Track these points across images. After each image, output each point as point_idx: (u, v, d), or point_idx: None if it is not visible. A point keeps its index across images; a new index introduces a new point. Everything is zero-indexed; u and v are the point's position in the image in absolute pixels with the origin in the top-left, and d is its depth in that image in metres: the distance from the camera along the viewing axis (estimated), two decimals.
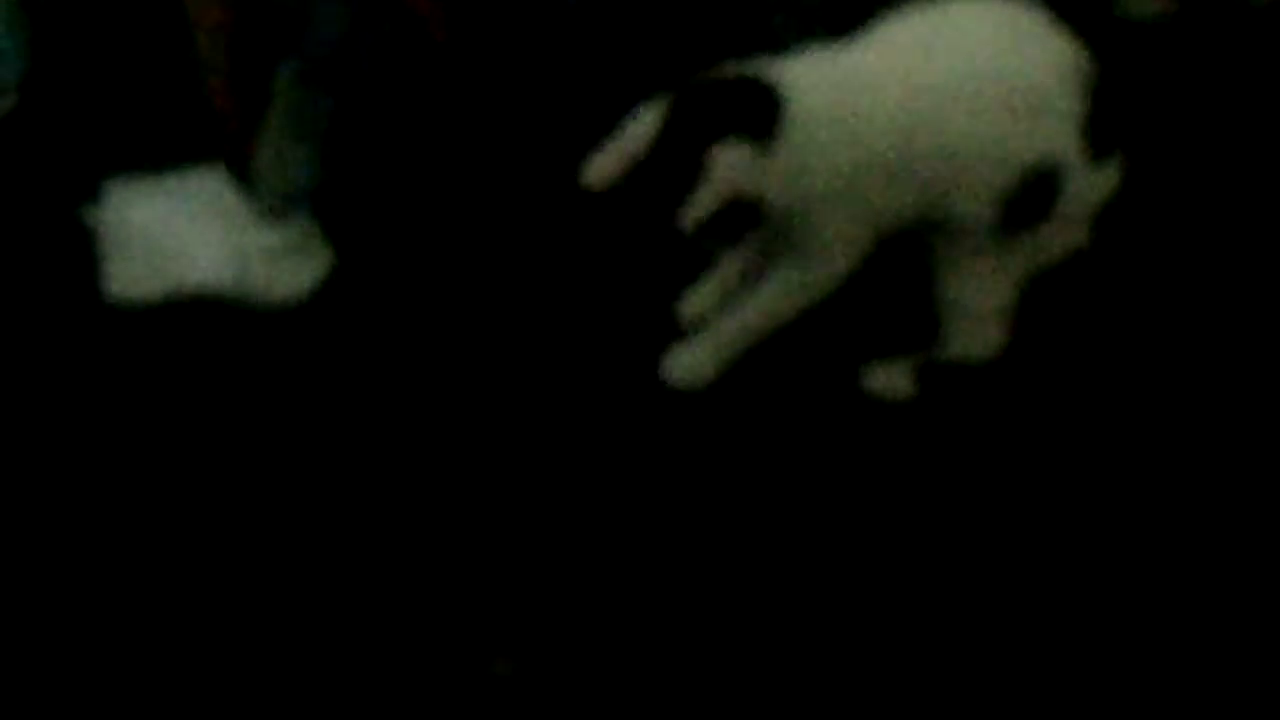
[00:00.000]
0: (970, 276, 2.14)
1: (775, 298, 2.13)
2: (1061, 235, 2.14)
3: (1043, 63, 2.03)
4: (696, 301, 2.27)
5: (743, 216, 2.00)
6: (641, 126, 1.98)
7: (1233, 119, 2.65)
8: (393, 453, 2.16)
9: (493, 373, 2.27)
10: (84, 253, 2.40)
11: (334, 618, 1.96)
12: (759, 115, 1.99)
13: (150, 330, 2.32)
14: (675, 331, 2.25)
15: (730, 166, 1.98)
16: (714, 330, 2.16)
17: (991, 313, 2.15)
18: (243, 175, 2.45)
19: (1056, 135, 2.02)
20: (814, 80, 2.01)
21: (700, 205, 1.97)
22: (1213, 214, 2.48)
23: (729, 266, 2.24)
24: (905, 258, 2.14)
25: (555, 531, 2.07)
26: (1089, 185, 2.09)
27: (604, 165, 1.98)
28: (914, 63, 2.03)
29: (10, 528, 2.09)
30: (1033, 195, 2.05)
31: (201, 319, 2.35)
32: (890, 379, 2.22)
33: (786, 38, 2.35)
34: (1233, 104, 2.67)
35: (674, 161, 2.00)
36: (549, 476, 2.14)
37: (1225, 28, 2.77)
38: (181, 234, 2.41)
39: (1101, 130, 2.06)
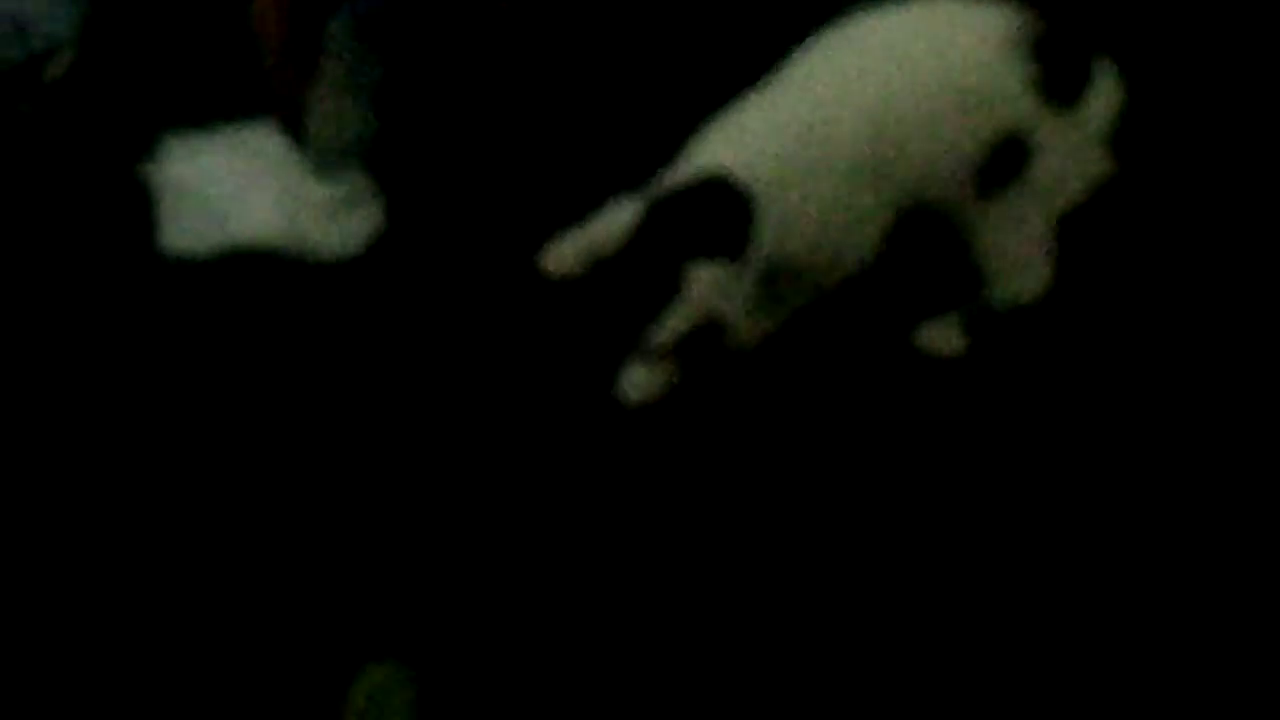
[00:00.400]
0: (991, 229, 2.12)
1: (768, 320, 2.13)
2: (1069, 172, 2.09)
3: (980, 45, 2.02)
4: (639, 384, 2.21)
5: (707, 334, 1.95)
6: (612, 229, 1.94)
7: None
8: (435, 405, 2.16)
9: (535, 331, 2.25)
10: (140, 207, 2.41)
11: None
12: (732, 229, 1.95)
13: (204, 283, 2.33)
14: None
15: (705, 288, 1.95)
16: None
17: (1029, 254, 2.13)
18: (296, 131, 2.46)
19: (1011, 107, 2.02)
20: (770, 162, 1.97)
21: (671, 330, 1.95)
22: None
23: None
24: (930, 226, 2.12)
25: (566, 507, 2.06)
26: (1066, 126, 2.06)
27: (565, 257, 1.93)
28: (853, 93, 2.01)
29: (56, 469, 2.11)
30: (1005, 160, 2.05)
31: (255, 272, 2.35)
32: (942, 335, 2.21)
33: None
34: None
35: (644, 277, 1.95)
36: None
37: None
38: (235, 188, 2.43)
39: (1059, 79, 2.04)
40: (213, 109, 2.53)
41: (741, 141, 1.99)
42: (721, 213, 1.94)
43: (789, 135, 2.00)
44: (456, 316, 2.30)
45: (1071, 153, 2.08)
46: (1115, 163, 2.11)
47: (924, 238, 2.17)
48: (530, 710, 1.91)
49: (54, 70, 2.63)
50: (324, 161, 2.46)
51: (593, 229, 1.95)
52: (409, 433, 2.18)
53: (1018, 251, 2.09)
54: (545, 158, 2.49)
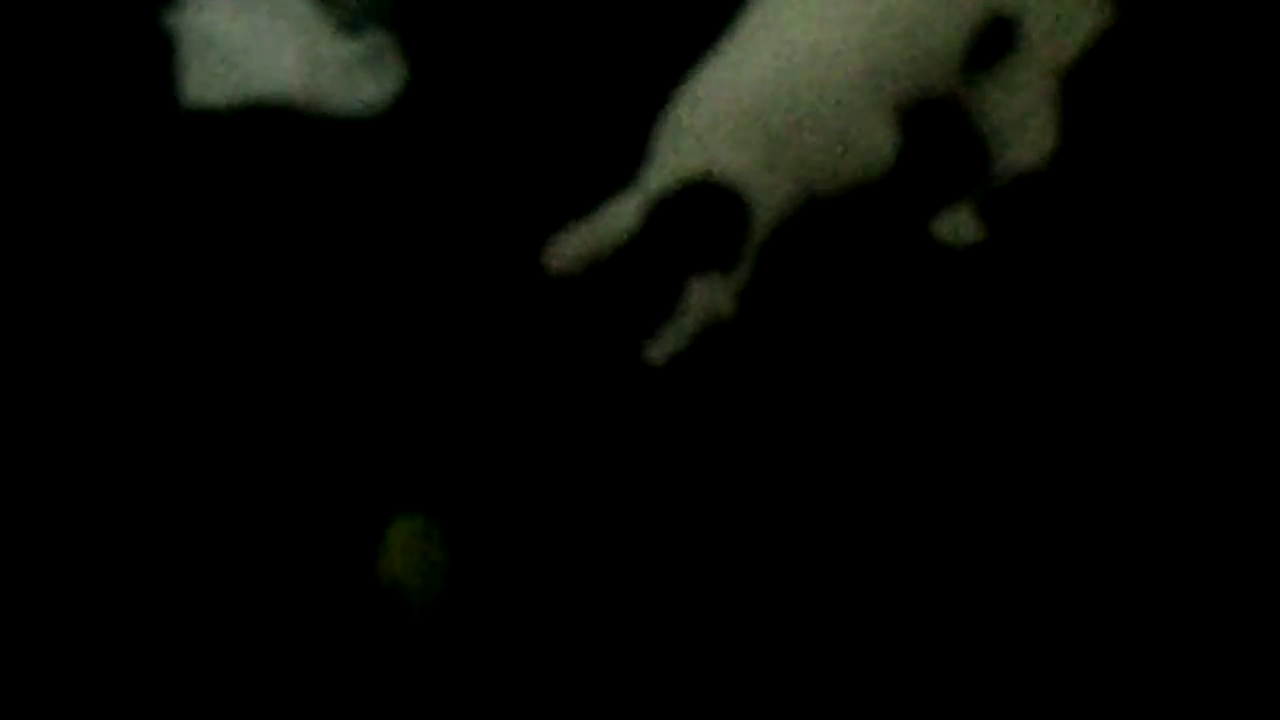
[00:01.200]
0: (993, 102, 2.08)
1: None
2: (1065, 30, 2.07)
3: None
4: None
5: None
6: (610, 231, 1.96)
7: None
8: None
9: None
10: (159, 57, 2.38)
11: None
12: (728, 232, 1.97)
13: (223, 136, 2.33)
14: None
15: (706, 301, 1.98)
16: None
17: (1032, 114, 2.10)
18: None
19: None
20: (756, 141, 1.94)
21: (673, 342, 1.99)
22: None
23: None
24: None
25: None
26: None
27: (566, 257, 1.97)
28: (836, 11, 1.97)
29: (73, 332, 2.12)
30: (998, 35, 2.03)
31: (275, 127, 2.34)
32: (958, 222, 2.19)
33: None
34: None
35: (644, 285, 1.98)
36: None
37: None
38: (258, 40, 2.38)
39: None
40: None
41: (720, 129, 1.96)
42: (714, 223, 1.95)
43: (773, 95, 1.97)
44: (472, 187, 2.27)
45: (1065, 11, 2.07)
46: (1115, 10, 2.09)
47: (931, 127, 2.13)
48: (557, 572, 1.91)
49: None
50: (349, 14, 2.39)
51: (593, 228, 1.96)
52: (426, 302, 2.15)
53: (1020, 114, 2.07)
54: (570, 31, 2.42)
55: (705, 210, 1.96)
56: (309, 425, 2.06)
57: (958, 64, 2.04)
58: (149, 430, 2.05)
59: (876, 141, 2.04)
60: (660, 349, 2.08)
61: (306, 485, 1.99)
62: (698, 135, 2.00)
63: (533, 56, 2.40)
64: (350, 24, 2.37)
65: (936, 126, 2.12)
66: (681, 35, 2.24)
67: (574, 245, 1.98)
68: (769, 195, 2.01)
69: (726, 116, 1.98)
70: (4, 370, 2.14)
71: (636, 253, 1.98)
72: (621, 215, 1.97)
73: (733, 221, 1.96)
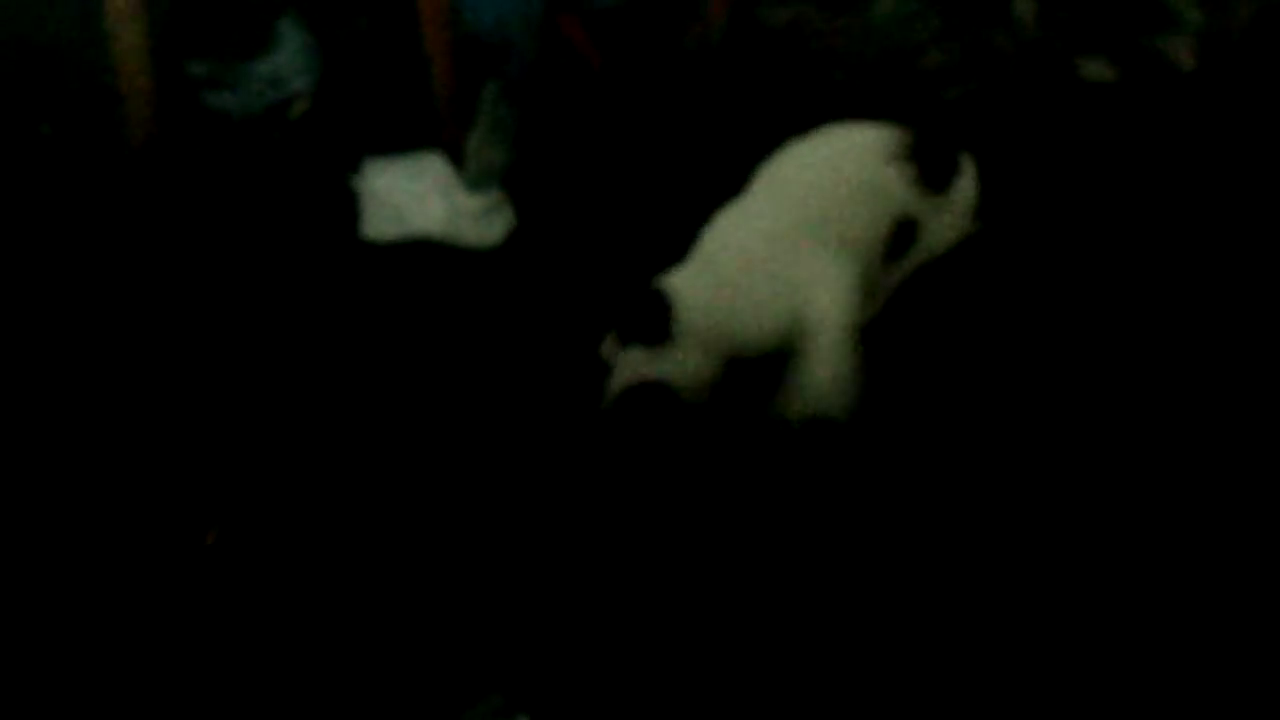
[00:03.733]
0: (891, 280, 2.34)
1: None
2: (944, 236, 2.34)
3: (874, 158, 2.27)
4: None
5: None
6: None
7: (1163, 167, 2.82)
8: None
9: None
10: (349, 207, 2.79)
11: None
12: (655, 324, 2.20)
13: (391, 261, 2.71)
14: None
15: (630, 364, 2.22)
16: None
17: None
18: (457, 159, 2.83)
19: (902, 199, 2.28)
20: (692, 288, 2.20)
21: (610, 392, 2.23)
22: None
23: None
24: None
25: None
26: (942, 206, 2.32)
27: (605, 350, 2.26)
28: (804, 197, 2.22)
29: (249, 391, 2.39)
30: (904, 234, 2.32)
31: (426, 256, 2.72)
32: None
33: (841, 84, 2.73)
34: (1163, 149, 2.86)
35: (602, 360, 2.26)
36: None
37: (1157, 89, 2.97)
38: (415, 197, 2.77)
39: (931, 173, 2.30)
40: (402, 141, 2.86)
41: (676, 279, 2.21)
42: (650, 312, 2.20)
43: (766, 233, 2.21)
44: (565, 296, 2.58)
45: (947, 222, 2.35)
46: (977, 224, 2.39)
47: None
48: None
49: (297, 110, 3.02)
50: (475, 181, 2.79)
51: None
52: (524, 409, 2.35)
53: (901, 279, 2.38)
54: (630, 187, 2.78)
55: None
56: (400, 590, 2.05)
57: (881, 250, 2.30)
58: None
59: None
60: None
61: (390, 663, 1.94)
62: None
63: (597, 211, 2.75)
64: (476, 185, 2.80)
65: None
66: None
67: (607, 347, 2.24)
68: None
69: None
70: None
71: None
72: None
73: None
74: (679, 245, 2.30)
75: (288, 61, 2.99)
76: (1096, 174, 2.82)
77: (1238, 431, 2.18)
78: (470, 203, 2.77)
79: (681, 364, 2.20)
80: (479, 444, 2.31)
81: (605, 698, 1.85)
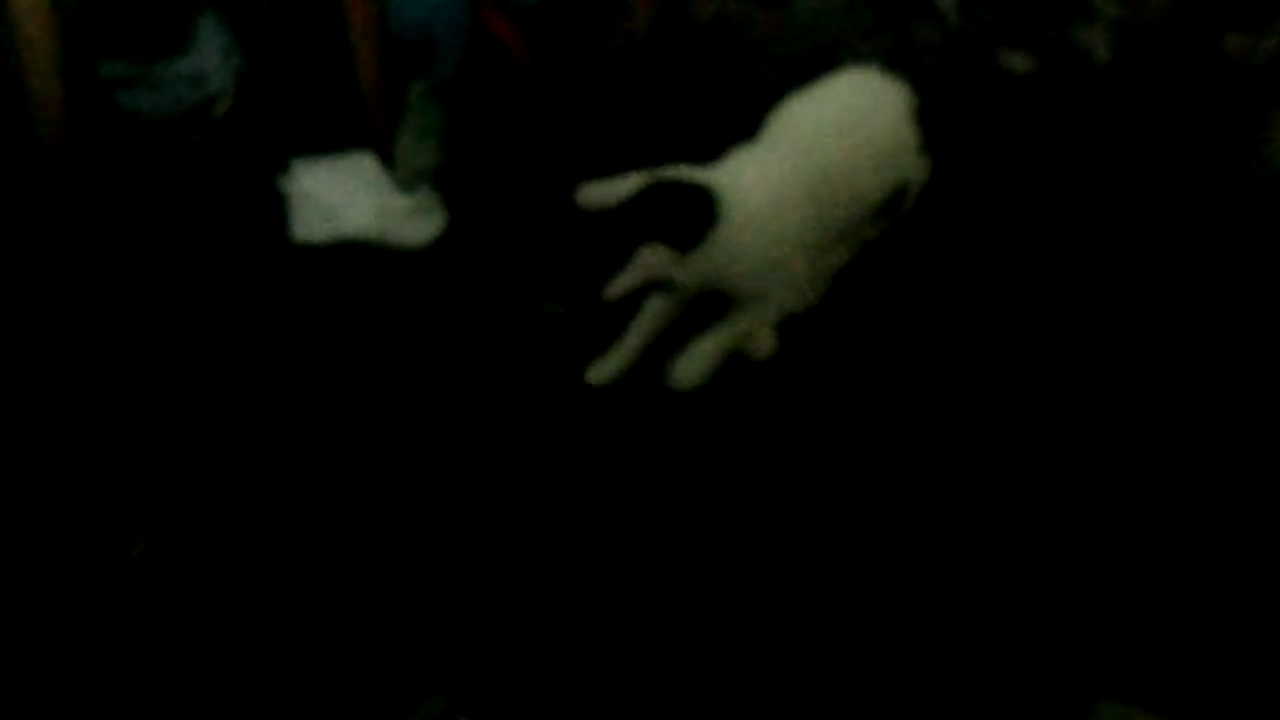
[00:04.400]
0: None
1: (738, 331, 2.31)
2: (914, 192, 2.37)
3: (895, 113, 2.27)
4: (604, 369, 2.37)
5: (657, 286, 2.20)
6: (618, 190, 2.14)
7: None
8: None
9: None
10: (277, 208, 2.74)
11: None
12: (688, 226, 2.14)
13: (321, 262, 2.68)
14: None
15: (648, 263, 2.16)
16: (701, 346, 2.30)
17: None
18: (386, 159, 2.80)
19: (908, 161, 2.32)
20: (739, 188, 2.16)
21: (619, 287, 2.16)
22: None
23: (635, 339, 2.35)
24: None
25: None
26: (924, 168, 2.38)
27: (588, 197, 2.16)
28: (807, 150, 2.21)
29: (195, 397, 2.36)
30: (892, 201, 2.36)
31: (357, 256, 2.70)
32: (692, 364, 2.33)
33: (770, 77, 2.71)
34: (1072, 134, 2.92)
35: (614, 243, 2.16)
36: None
37: (1075, 80, 3.02)
38: (344, 197, 2.73)
39: (930, 139, 2.35)
40: (329, 142, 2.83)
41: (722, 174, 2.18)
42: (684, 210, 2.13)
43: (769, 182, 2.19)
44: (496, 296, 2.57)
45: (920, 181, 2.40)
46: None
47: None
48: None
49: (220, 109, 2.95)
50: (406, 181, 2.77)
51: (612, 184, 2.14)
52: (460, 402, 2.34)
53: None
54: (560, 183, 2.57)
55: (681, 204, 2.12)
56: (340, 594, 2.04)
57: (870, 213, 2.32)
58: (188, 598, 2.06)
59: (804, 255, 2.27)
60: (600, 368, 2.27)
61: (336, 665, 1.94)
62: (717, 170, 2.18)
63: (533, 209, 2.73)
64: (407, 184, 2.77)
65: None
66: None
67: (592, 194, 2.13)
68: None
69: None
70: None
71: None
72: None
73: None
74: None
75: (207, 60, 2.93)
76: (1019, 162, 2.88)
77: (1162, 412, 2.27)
78: (401, 202, 2.75)
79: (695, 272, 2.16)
80: (415, 443, 2.32)
81: (547, 699, 1.87)
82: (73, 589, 2.04)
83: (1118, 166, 2.80)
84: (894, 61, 2.84)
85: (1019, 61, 3.05)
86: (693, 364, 2.28)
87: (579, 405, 2.38)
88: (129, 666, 1.96)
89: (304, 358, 2.49)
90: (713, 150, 2.31)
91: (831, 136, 2.24)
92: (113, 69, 2.94)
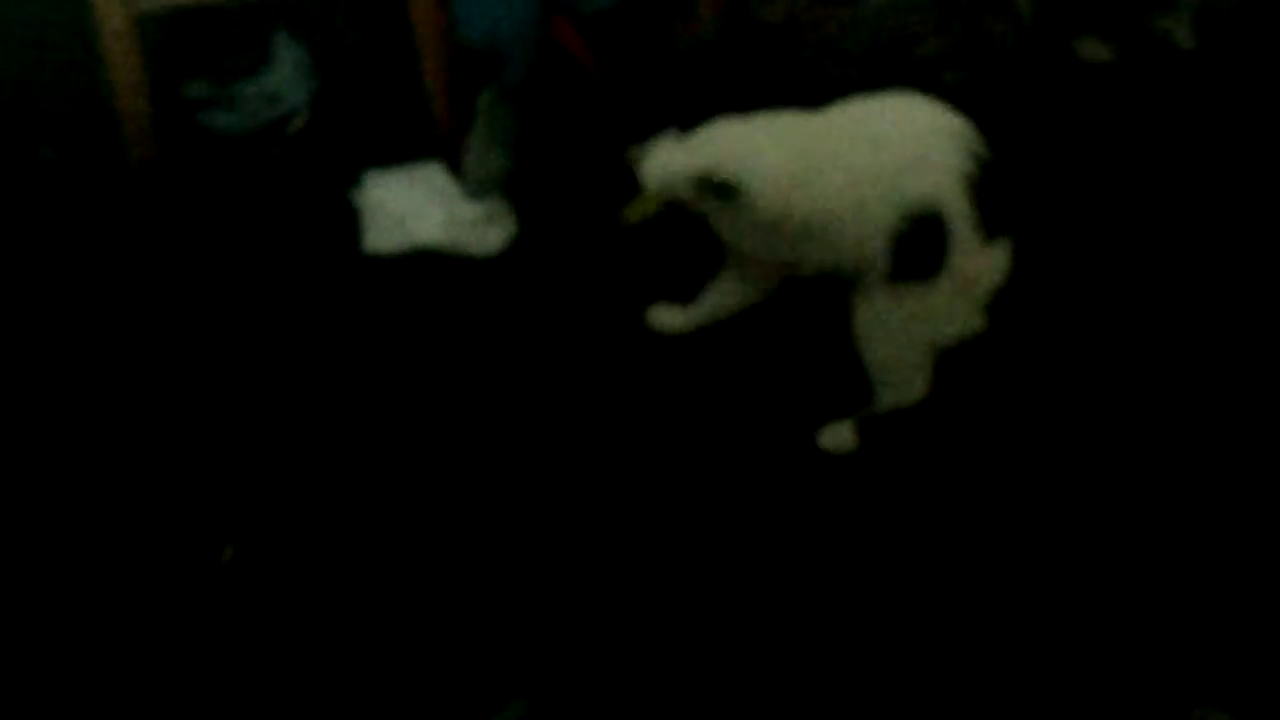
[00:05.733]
0: (879, 336, 2.16)
1: (726, 293, 2.38)
2: (953, 305, 2.12)
3: (932, 127, 2.09)
4: (668, 318, 2.47)
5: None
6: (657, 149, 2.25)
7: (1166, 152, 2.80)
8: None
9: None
10: (350, 221, 2.79)
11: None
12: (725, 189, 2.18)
13: (393, 272, 2.71)
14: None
15: (674, 183, 2.22)
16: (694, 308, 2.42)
17: (910, 371, 2.21)
18: (456, 168, 2.82)
19: (938, 180, 2.05)
20: (762, 176, 2.14)
21: (640, 207, 2.26)
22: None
23: (707, 304, 2.41)
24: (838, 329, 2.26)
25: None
26: (978, 255, 2.08)
27: (631, 155, 2.27)
28: (829, 151, 2.12)
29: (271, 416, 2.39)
30: (920, 238, 2.07)
31: (428, 266, 2.71)
32: (837, 437, 2.30)
33: (835, 76, 2.75)
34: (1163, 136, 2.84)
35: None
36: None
37: (1159, 68, 2.94)
38: (415, 207, 2.76)
39: (990, 206, 2.07)
40: (401, 153, 2.86)
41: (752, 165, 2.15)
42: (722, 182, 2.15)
43: (799, 155, 2.15)
44: (568, 302, 2.61)
45: (968, 276, 2.13)
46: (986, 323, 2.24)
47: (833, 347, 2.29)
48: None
49: (295, 126, 3.02)
50: (475, 190, 2.79)
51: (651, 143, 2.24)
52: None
53: (899, 367, 2.25)
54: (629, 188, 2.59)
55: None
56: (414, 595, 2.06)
57: (881, 248, 2.13)
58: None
59: (759, 270, 2.33)
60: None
61: (407, 671, 1.96)
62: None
63: (598, 215, 2.65)
64: (476, 193, 2.79)
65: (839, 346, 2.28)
66: None
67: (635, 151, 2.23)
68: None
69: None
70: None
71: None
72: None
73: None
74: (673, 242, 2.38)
75: (283, 78, 3.00)
76: (1098, 155, 2.83)
77: (1239, 425, 2.22)
78: (471, 211, 2.77)
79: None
80: (489, 452, 2.34)
81: (625, 704, 1.88)
82: (163, 594, 2.09)
83: (1203, 158, 2.77)
84: (963, 55, 2.82)
85: (1098, 50, 3.03)
86: (838, 435, 2.30)
87: (643, 415, 2.39)
88: (213, 670, 2.00)
89: (379, 367, 2.51)
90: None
91: (858, 137, 2.16)
92: (196, 89, 3.02)
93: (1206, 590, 2.01)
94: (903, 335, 2.16)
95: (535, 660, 1.96)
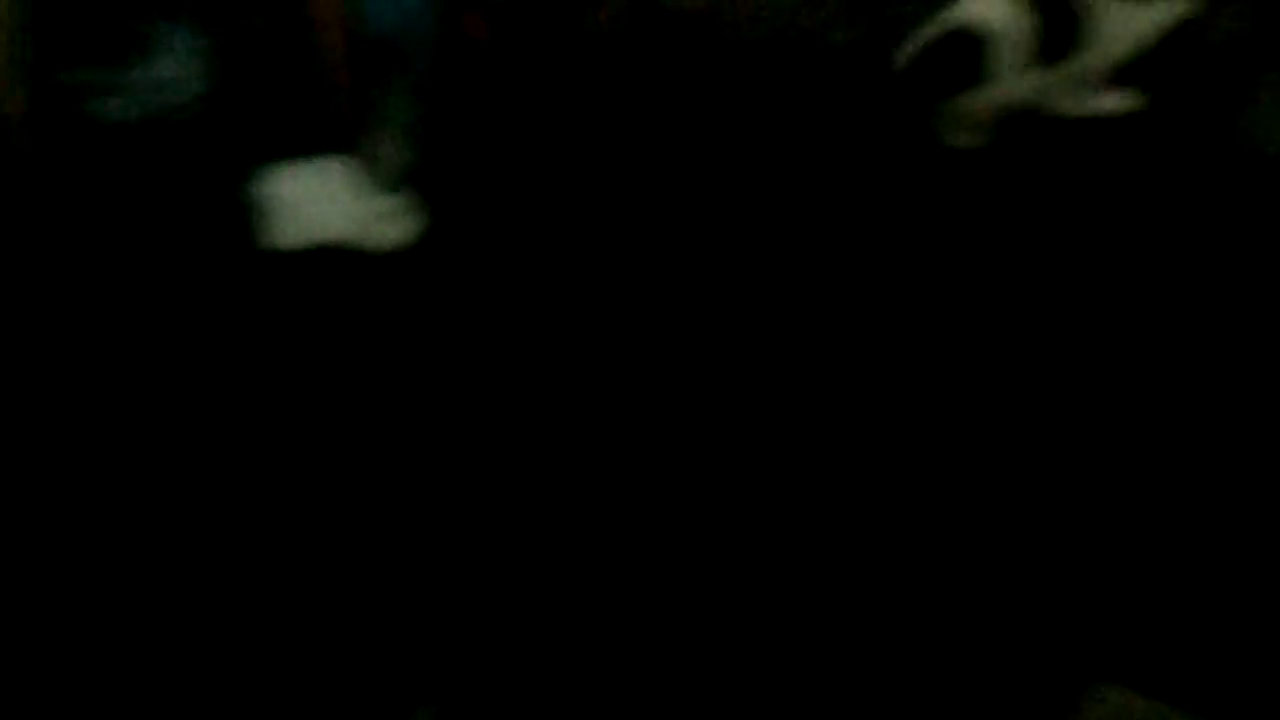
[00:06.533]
0: None
1: None
2: None
3: None
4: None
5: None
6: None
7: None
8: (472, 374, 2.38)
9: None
10: (250, 213, 2.69)
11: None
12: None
13: (295, 269, 2.62)
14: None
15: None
16: None
17: None
18: (361, 161, 2.75)
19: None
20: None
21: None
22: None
23: None
24: None
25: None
26: None
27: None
28: None
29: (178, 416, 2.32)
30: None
31: (331, 261, 2.64)
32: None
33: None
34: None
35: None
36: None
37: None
38: (318, 201, 2.70)
39: None
40: (303, 145, 2.79)
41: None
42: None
43: None
44: (478, 296, 2.54)
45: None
46: None
47: None
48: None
49: (188, 114, 2.89)
50: (379, 182, 2.73)
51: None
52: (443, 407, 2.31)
53: None
54: (540, 180, 2.77)
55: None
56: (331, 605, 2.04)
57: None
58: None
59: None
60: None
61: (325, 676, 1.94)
62: None
63: (512, 212, 2.71)
64: (383, 186, 2.73)
65: None
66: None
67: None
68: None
69: None
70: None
71: None
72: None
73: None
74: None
75: (176, 66, 2.91)
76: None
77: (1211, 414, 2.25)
78: (377, 204, 2.72)
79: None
80: (393, 451, 2.30)
81: (539, 710, 1.87)
82: None
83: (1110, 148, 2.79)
84: (871, 48, 2.81)
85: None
86: None
87: (566, 406, 2.37)
88: (126, 663, 1.98)
89: (283, 363, 2.47)
90: (684, 134, 2.34)
91: None
92: (78, 75, 2.92)
93: (1102, 567, 2.02)
94: None
95: (447, 665, 1.93)
